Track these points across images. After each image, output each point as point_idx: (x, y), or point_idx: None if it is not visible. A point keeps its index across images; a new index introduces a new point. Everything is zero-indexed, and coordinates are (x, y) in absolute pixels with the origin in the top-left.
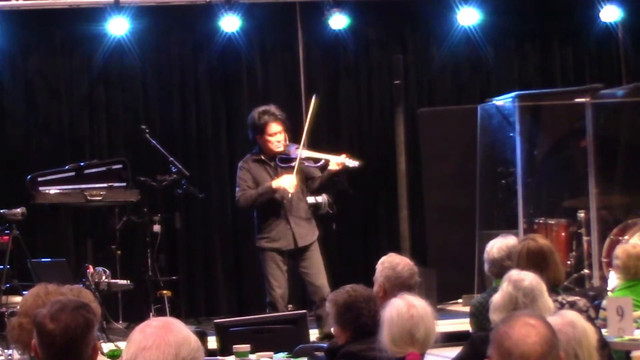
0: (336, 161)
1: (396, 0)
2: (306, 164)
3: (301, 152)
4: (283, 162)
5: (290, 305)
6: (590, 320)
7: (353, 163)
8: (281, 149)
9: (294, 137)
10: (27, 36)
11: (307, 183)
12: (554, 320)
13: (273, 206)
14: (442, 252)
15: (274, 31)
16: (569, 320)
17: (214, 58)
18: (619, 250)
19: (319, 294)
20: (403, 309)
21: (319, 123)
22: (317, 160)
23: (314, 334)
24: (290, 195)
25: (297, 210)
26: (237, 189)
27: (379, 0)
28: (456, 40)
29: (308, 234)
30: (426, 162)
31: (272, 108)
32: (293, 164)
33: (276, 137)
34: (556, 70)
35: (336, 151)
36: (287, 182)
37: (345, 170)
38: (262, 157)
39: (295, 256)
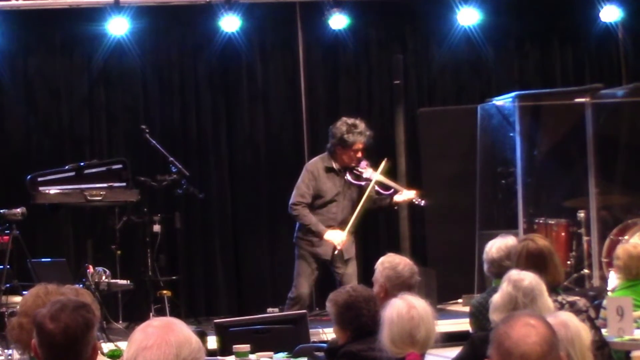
0: (406, 196)
1: (396, 0)
2: (377, 187)
3: (375, 175)
4: (355, 178)
5: None
6: (591, 320)
7: (419, 201)
8: (355, 164)
9: (294, 137)
10: (27, 36)
11: (369, 202)
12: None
13: (327, 218)
14: (442, 252)
15: (274, 31)
16: (561, 320)
17: (214, 58)
18: (620, 251)
19: None
20: (403, 309)
21: (320, 123)
22: (387, 188)
23: (314, 334)
24: (337, 252)
25: (346, 224)
26: (296, 190)
27: (379, 0)
28: (456, 40)
29: (351, 247)
30: (426, 162)
31: (361, 125)
32: (364, 183)
33: (358, 153)
34: (556, 70)
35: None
36: (338, 239)
37: (410, 204)
38: (334, 166)
39: (332, 264)
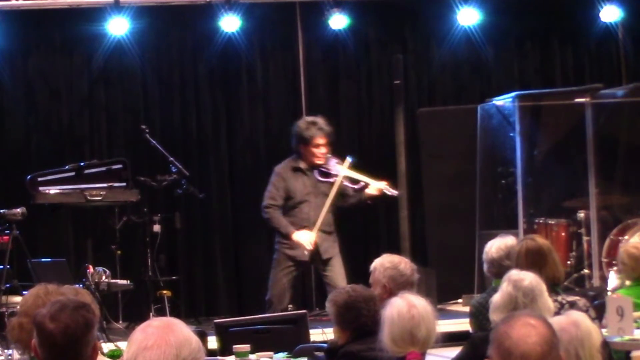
0: (376, 187)
1: (396, 0)
2: (345, 182)
3: (342, 170)
4: (323, 175)
5: (290, 305)
6: (591, 320)
7: (392, 192)
8: (322, 161)
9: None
10: (27, 36)
11: (339, 199)
12: (560, 318)
13: (299, 218)
14: (442, 252)
15: (274, 31)
16: (573, 319)
17: (214, 58)
18: (624, 253)
19: None
20: (404, 309)
21: None
22: (356, 182)
23: (314, 334)
24: (307, 253)
25: (322, 224)
26: (266, 193)
27: (379, 0)
28: (456, 40)
29: (330, 247)
30: (426, 162)
31: (320, 121)
32: (332, 179)
33: (320, 149)
34: (556, 70)
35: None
36: (306, 240)
37: (381, 196)
38: (301, 166)
39: (319, 267)
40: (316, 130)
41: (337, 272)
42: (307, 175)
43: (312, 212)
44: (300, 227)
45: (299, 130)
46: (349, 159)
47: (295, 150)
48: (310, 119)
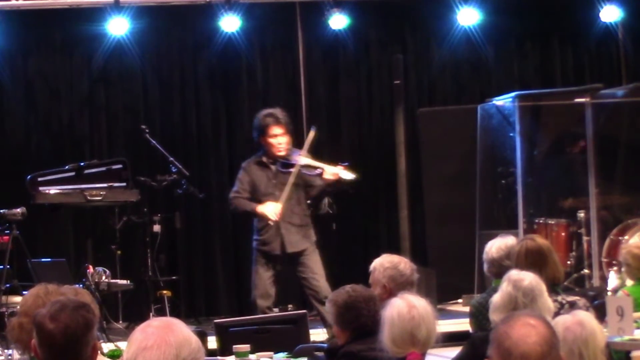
0: (331, 171)
1: (396, 0)
2: (303, 171)
3: (300, 159)
4: (284, 167)
5: (290, 305)
6: None
7: (348, 175)
8: (283, 153)
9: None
10: (27, 36)
11: (307, 190)
12: (566, 317)
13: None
14: (442, 252)
15: (274, 31)
16: (579, 319)
17: (214, 58)
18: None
19: (316, 296)
20: (404, 309)
21: (320, 123)
22: (314, 168)
23: (314, 334)
24: (272, 223)
25: (289, 217)
26: (233, 187)
27: (379, 0)
28: (456, 40)
29: (300, 240)
30: (426, 162)
31: (276, 111)
32: (292, 169)
33: (277, 139)
34: (556, 70)
35: (337, 153)
36: (270, 210)
37: (339, 181)
38: (264, 160)
39: (289, 261)
40: (271, 119)
41: (312, 265)
42: (270, 169)
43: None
44: (267, 221)
45: (256, 122)
46: (312, 130)
47: (258, 144)
48: (268, 110)
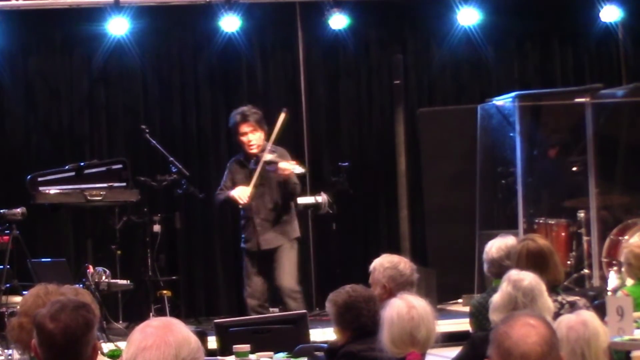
0: (284, 167)
1: (396, 0)
2: (267, 167)
3: (265, 155)
4: (256, 164)
5: None
6: None
7: (299, 170)
8: (255, 150)
9: (294, 137)
10: (27, 36)
11: (283, 186)
12: (570, 317)
13: (245, 209)
14: (442, 252)
15: (274, 31)
16: (582, 319)
17: (214, 58)
18: (629, 253)
19: (279, 294)
20: (403, 309)
21: (320, 123)
22: (273, 164)
23: (314, 334)
24: (241, 205)
25: (263, 214)
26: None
27: (379, 0)
28: (456, 40)
29: (275, 237)
30: (426, 162)
31: (245, 109)
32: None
33: (247, 137)
34: (556, 70)
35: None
36: (237, 192)
37: (294, 175)
38: (242, 159)
39: (265, 258)
40: (239, 117)
41: (282, 264)
42: (246, 167)
43: (254, 202)
44: (247, 218)
45: (230, 122)
46: (283, 112)
47: (236, 144)
48: (239, 109)
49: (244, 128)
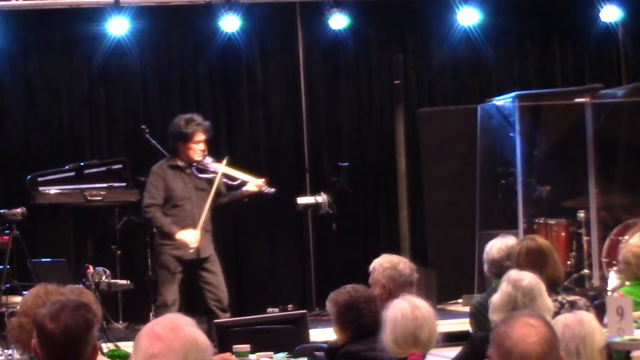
0: (255, 183)
1: (396, 0)
2: (224, 179)
3: (221, 167)
4: (200, 172)
5: (290, 305)
6: None
7: (269, 190)
8: (200, 158)
9: (294, 137)
10: (27, 36)
11: (216, 198)
12: (567, 315)
13: (182, 217)
14: (442, 252)
15: (274, 31)
16: (579, 318)
17: (214, 58)
18: (628, 252)
19: (219, 306)
20: (407, 310)
21: (320, 123)
22: (234, 179)
23: (314, 334)
24: (192, 251)
25: (203, 223)
26: (145, 193)
27: (379, 0)
28: (456, 40)
29: (207, 246)
30: (426, 162)
31: (198, 117)
32: (211, 176)
33: (200, 145)
34: (556, 70)
35: (337, 153)
36: (189, 238)
37: (259, 193)
38: (179, 164)
39: (196, 266)
40: (196, 126)
41: (217, 273)
42: (185, 173)
43: (195, 210)
44: (184, 225)
45: (177, 127)
46: (226, 159)
47: (173, 148)
48: (187, 116)
49: (200, 136)
